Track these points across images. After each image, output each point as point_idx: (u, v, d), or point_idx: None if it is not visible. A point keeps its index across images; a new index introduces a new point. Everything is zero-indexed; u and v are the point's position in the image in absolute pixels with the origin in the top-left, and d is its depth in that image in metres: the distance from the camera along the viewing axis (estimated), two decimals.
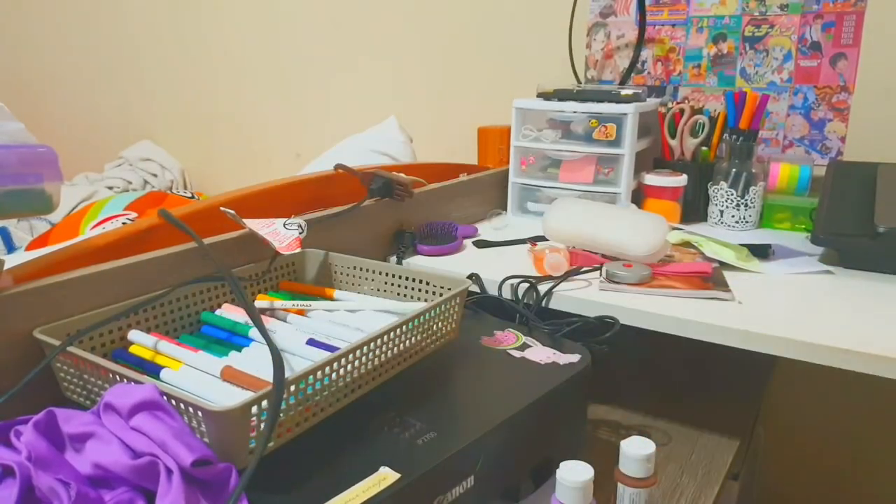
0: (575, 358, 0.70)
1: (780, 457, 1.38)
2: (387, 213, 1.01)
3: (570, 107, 1.13)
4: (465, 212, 1.18)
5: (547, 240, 1.00)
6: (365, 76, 1.83)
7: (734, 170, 1.12)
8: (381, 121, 1.63)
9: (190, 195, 2.00)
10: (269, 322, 0.68)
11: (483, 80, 1.62)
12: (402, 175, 1.01)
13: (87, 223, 1.64)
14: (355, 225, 0.94)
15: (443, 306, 0.67)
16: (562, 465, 0.54)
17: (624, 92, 1.12)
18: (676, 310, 0.78)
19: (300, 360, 0.61)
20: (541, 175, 1.18)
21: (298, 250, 0.77)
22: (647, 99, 1.17)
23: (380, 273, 0.79)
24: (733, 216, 1.12)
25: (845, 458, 1.33)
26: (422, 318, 0.64)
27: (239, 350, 0.64)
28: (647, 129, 1.21)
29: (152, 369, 0.60)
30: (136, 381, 0.51)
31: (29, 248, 1.45)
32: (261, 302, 0.73)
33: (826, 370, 0.70)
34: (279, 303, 0.72)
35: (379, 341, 0.59)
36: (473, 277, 0.91)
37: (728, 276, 0.89)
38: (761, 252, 0.97)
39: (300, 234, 0.79)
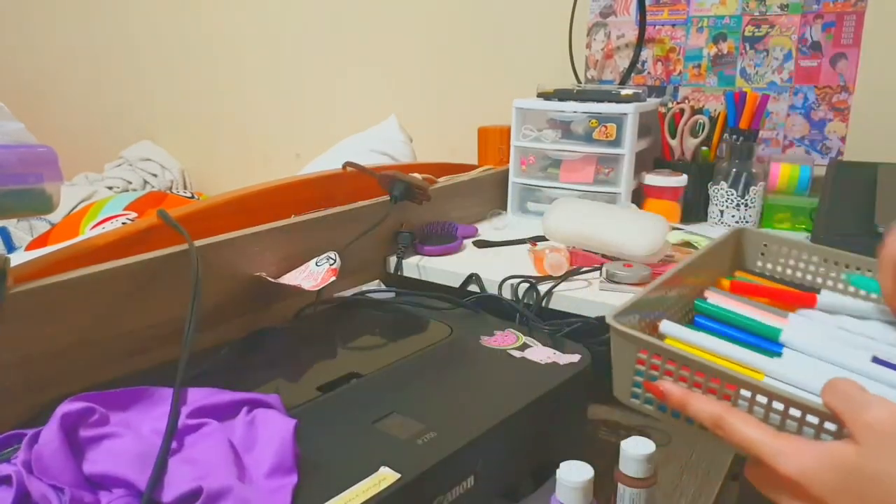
0: (575, 358, 0.70)
1: None
2: (387, 213, 1.00)
3: (570, 107, 1.13)
4: (465, 212, 1.18)
5: (547, 240, 1.00)
6: (365, 76, 1.83)
7: (734, 170, 1.12)
8: (381, 120, 1.63)
9: (190, 195, 2.00)
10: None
11: (483, 80, 1.62)
12: (417, 177, 1.00)
13: (87, 223, 1.64)
14: (356, 225, 0.94)
15: None
16: (562, 465, 0.54)
17: (624, 92, 1.12)
18: None
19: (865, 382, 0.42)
20: (541, 175, 1.18)
21: (334, 278, 0.76)
22: (647, 99, 1.17)
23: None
24: (733, 216, 1.12)
25: None
26: None
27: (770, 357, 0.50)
28: (647, 129, 1.21)
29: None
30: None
31: (29, 248, 1.45)
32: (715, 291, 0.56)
33: None
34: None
35: None
36: (473, 277, 0.91)
37: None
38: None
39: (331, 264, 0.79)
